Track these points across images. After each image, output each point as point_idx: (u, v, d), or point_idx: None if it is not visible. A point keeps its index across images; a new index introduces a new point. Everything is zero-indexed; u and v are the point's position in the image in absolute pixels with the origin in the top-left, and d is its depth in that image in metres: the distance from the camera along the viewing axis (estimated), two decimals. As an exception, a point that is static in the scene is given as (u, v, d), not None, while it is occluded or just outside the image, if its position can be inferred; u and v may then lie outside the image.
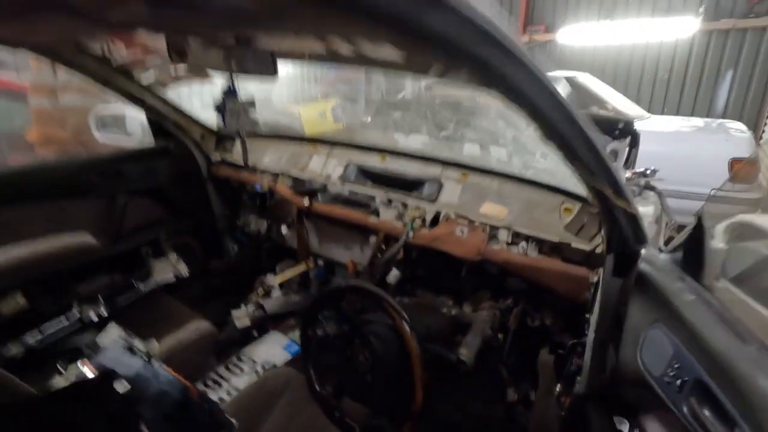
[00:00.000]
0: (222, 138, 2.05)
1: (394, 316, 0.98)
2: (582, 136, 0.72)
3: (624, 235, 0.92)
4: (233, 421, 0.98)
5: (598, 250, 1.11)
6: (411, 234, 1.41)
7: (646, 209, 1.50)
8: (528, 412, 1.41)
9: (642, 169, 1.84)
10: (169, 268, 1.57)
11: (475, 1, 0.47)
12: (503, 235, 1.32)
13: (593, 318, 1.02)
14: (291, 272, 1.74)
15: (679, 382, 0.69)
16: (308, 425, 1.09)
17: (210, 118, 2.06)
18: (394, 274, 1.48)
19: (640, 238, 0.92)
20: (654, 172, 1.82)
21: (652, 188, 1.82)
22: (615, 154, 2.14)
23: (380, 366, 1.02)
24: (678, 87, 5.99)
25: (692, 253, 0.82)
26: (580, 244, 1.17)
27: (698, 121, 3.87)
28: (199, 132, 1.99)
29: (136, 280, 1.51)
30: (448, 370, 1.19)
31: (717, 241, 0.87)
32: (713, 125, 3.59)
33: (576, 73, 4.34)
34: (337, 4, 0.39)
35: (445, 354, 1.19)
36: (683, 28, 5.70)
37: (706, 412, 0.63)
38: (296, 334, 1.73)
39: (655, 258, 0.86)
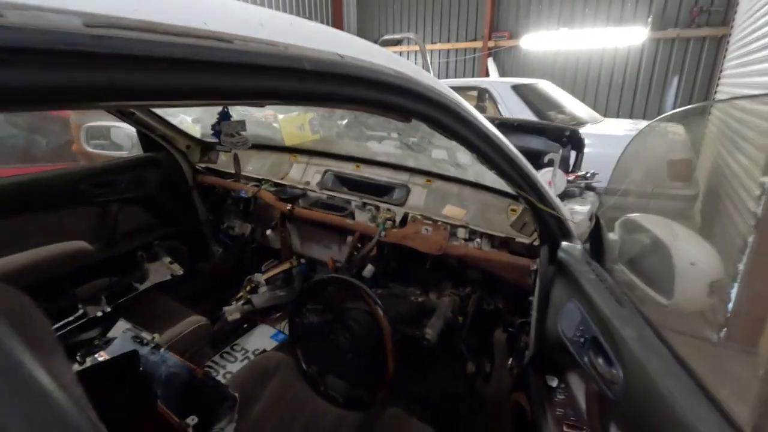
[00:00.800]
0: (207, 148, 2.20)
1: (369, 302, 1.18)
2: (507, 159, 0.95)
3: (552, 231, 1.16)
4: (235, 394, 1.16)
5: (536, 243, 1.34)
6: (383, 234, 1.61)
7: (582, 207, 1.76)
8: (486, 385, 1.64)
9: (583, 173, 2.11)
10: (163, 269, 1.72)
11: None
12: (461, 233, 1.54)
13: (535, 300, 1.24)
14: (276, 269, 1.92)
15: (582, 340, 0.92)
16: (298, 398, 1.28)
17: (193, 127, 2.20)
18: (369, 269, 1.69)
19: (565, 233, 1.16)
20: (593, 175, 2.10)
21: (592, 189, 2.09)
22: (566, 161, 2.42)
23: (358, 345, 1.22)
24: (631, 91, 6.45)
25: (594, 243, 1.06)
26: (522, 239, 1.40)
27: (643, 124, 4.23)
28: (185, 143, 2.13)
29: (133, 281, 1.65)
30: (416, 347, 1.40)
31: (614, 233, 1.11)
32: (654, 127, 3.94)
33: (536, 80, 4.65)
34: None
35: (413, 332, 1.41)
36: (634, 37, 6.15)
37: (600, 360, 0.87)
38: (282, 326, 1.91)
39: (572, 248, 1.09)
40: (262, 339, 1.79)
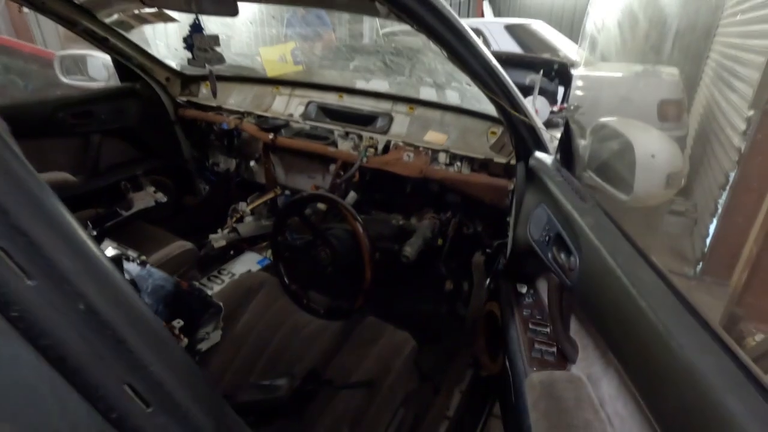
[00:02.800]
0: (187, 81, 2.14)
1: (346, 215, 1.21)
2: (477, 56, 0.94)
3: (526, 144, 1.17)
4: (220, 303, 1.21)
5: (513, 162, 1.36)
6: (365, 159, 1.62)
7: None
8: (465, 307, 1.71)
9: (568, 104, 2.10)
10: (148, 198, 1.73)
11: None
12: (442, 158, 1.55)
13: (512, 219, 1.28)
14: (261, 199, 1.94)
15: (547, 238, 0.96)
16: (281, 311, 1.34)
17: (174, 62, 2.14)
18: (351, 196, 1.71)
19: (539, 144, 1.17)
20: (577, 108, 2.09)
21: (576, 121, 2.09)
22: (554, 95, 2.39)
23: (338, 259, 1.26)
24: (629, 35, 6.26)
25: (564, 151, 1.08)
26: (500, 159, 1.42)
27: (638, 67, 4.16)
28: (164, 75, 2.08)
29: (119, 209, 1.67)
30: (395, 265, 1.45)
31: (585, 140, 1.13)
32: (650, 70, 3.88)
33: (530, 20, 4.50)
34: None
35: (392, 248, 1.45)
36: (635, -24, 5.90)
37: (561, 254, 0.91)
38: (269, 253, 1.96)
39: (543, 158, 1.11)
40: (249, 264, 1.84)
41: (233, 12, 1.12)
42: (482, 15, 7.20)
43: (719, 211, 2.64)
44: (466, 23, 3.55)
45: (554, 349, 0.96)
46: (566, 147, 1.09)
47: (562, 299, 0.94)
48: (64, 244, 0.29)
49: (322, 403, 1.09)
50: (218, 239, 1.81)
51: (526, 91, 2.29)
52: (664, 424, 0.56)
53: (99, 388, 0.28)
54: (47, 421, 0.26)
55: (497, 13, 7.17)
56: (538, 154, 1.13)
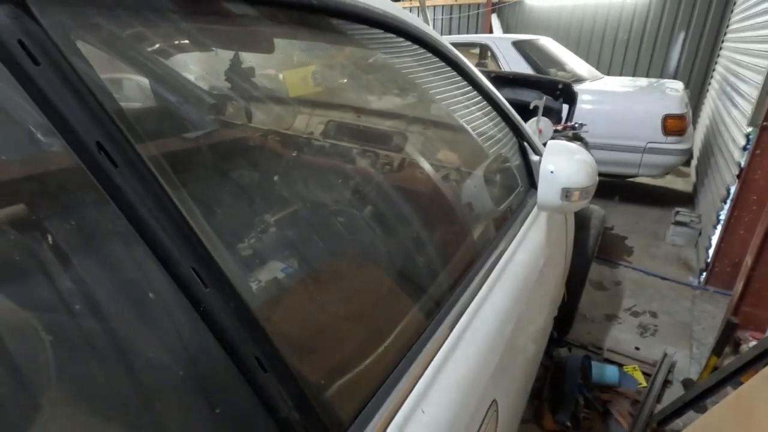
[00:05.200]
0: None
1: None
2: (494, 104, 1.08)
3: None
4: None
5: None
6: (380, 177, 1.76)
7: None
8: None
9: (572, 123, 2.23)
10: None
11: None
12: (453, 175, 1.69)
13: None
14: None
15: None
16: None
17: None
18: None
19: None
20: (581, 125, 2.21)
21: (580, 138, 2.21)
22: (558, 113, 2.51)
23: None
24: (635, 48, 6.37)
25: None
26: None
27: (643, 81, 4.26)
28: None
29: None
30: None
31: (537, 156, 1.28)
32: (654, 85, 3.99)
33: (537, 36, 4.64)
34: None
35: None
36: (642, -10, 6.02)
37: None
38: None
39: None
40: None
41: (270, 50, 1.27)
42: (491, 30, 7.36)
43: (721, 222, 2.73)
44: (475, 38, 3.70)
45: None
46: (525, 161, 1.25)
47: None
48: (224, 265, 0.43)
49: None
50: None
51: (532, 111, 2.42)
52: None
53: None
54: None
55: (505, 27, 7.33)
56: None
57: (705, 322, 2.53)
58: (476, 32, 7.67)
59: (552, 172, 1.01)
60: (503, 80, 2.52)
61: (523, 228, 1.16)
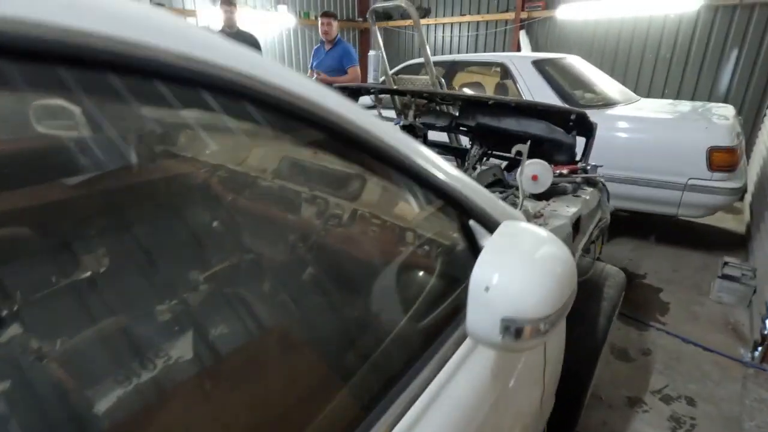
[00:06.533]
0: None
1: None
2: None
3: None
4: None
5: None
6: (323, 233, 1.40)
7: (566, 209, 1.46)
8: None
9: (583, 165, 1.79)
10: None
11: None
12: (410, 237, 1.30)
13: None
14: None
15: None
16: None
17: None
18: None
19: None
20: (595, 168, 1.76)
21: (594, 183, 1.77)
22: (570, 149, 2.05)
23: None
24: (680, 67, 5.74)
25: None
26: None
27: (685, 106, 3.72)
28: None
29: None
30: None
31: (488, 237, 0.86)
32: (699, 110, 3.44)
33: (564, 55, 4.19)
34: None
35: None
36: (688, 2, 5.42)
37: None
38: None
39: None
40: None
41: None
42: (518, 47, 6.92)
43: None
44: (491, 57, 3.29)
45: None
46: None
47: None
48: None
49: None
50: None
51: (539, 143, 1.99)
52: None
53: None
54: None
55: (534, 45, 6.87)
56: None
57: (761, 417, 1.97)
58: (503, 50, 7.25)
59: (487, 289, 0.61)
60: (506, 108, 2.12)
61: (458, 354, 0.76)
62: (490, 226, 0.81)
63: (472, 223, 0.81)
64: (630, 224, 3.84)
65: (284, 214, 1.45)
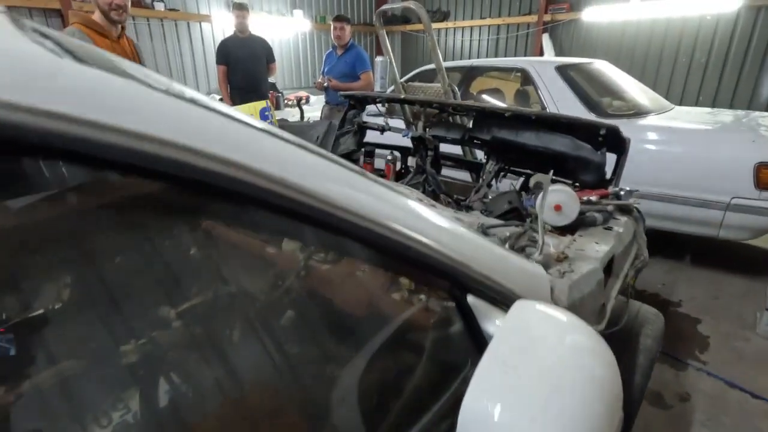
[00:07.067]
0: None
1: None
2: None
3: None
4: None
5: None
6: (302, 273, 1.19)
7: (597, 248, 1.21)
8: None
9: (616, 190, 1.53)
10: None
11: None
12: (405, 282, 1.08)
13: None
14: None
15: None
16: None
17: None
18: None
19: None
20: (630, 193, 1.50)
21: (629, 211, 1.51)
22: (599, 169, 1.79)
23: None
24: (716, 72, 5.36)
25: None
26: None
27: (726, 115, 3.38)
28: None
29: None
30: None
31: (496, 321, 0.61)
32: (743, 120, 3.11)
33: (590, 60, 3.90)
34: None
35: None
36: (726, 2, 5.05)
37: None
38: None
39: None
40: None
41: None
42: (541, 52, 6.62)
43: None
44: (511, 62, 2.99)
45: None
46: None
47: None
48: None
49: None
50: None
51: (562, 160, 1.75)
52: None
53: None
54: None
55: (558, 49, 6.56)
56: None
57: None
58: (525, 55, 6.95)
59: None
60: (522, 120, 1.88)
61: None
62: (498, 299, 0.59)
63: (471, 300, 0.59)
64: (662, 241, 3.51)
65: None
